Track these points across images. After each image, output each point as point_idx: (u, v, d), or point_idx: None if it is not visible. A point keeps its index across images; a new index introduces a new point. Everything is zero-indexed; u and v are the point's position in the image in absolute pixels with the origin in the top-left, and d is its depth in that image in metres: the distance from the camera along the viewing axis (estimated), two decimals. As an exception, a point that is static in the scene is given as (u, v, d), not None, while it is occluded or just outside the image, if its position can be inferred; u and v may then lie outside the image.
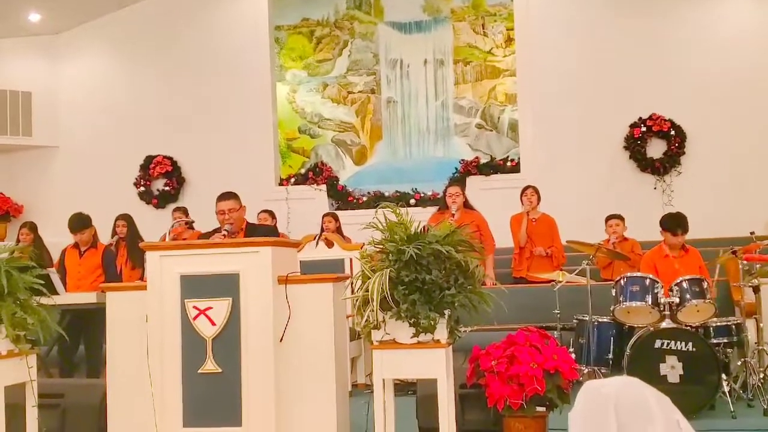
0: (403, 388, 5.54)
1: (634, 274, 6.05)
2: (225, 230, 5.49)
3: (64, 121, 12.30)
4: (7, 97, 11.92)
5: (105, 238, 7.97)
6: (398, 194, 11.34)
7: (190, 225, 8.27)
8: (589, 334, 6.04)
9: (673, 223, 6.42)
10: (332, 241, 7.32)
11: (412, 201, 11.20)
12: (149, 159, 11.94)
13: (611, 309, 5.96)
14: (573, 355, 5.70)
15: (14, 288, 4.22)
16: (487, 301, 4.15)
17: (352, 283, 4.42)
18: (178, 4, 12.01)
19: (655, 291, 5.77)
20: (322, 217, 8.82)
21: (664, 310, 5.69)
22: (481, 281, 4.21)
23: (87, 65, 12.33)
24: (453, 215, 7.41)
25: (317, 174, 11.68)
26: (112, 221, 8.35)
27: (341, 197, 11.60)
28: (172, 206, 11.51)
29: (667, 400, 2.92)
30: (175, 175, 11.91)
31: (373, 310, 3.88)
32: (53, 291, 5.85)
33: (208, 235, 5.78)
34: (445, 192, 7.86)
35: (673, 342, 5.44)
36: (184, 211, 8.70)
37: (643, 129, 10.67)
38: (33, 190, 12.23)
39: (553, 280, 6.65)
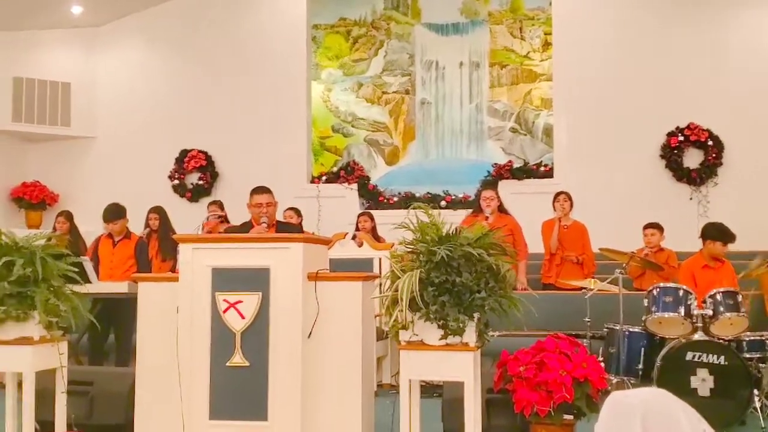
0: (429, 389, 5.52)
1: (668, 285, 5.98)
2: (263, 222, 5.51)
3: (101, 112, 12.43)
4: (47, 88, 12.08)
5: (138, 229, 8.04)
6: (429, 196, 11.32)
7: (223, 219, 8.33)
8: (619, 344, 5.98)
9: (724, 233, 6.40)
10: (362, 240, 7.33)
11: (443, 203, 11.17)
12: (184, 153, 12.03)
13: (643, 319, 5.90)
14: (602, 365, 5.65)
15: (48, 275, 4.29)
16: (517, 305, 4.12)
17: (381, 283, 4.42)
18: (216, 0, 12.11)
19: (689, 302, 5.70)
20: (358, 216, 8.83)
21: (696, 322, 5.62)
22: (513, 285, 4.18)
23: (126, 58, 12.46)
24: (487, 218, 7.37)
25: (349, 173, 11.70)
26: (145, 213, 8.42)
27: (372, 197, 11.60)
28: (206, 200, 11.57)
29: (694, 412, 2.87)
30: (209, 169, 11.98)
31: (401, 310, 3.87)
32: (86, 279, 5.94)
33: (237, 228, 5.82)
34: (479, 195, 7.81)
35: (704, 355, 5.38)
36: (220, 204, 8.74)
37: (681, 138, 10.54)
38: (69, 180, 12.37)
39: (583, 288, 6.58)
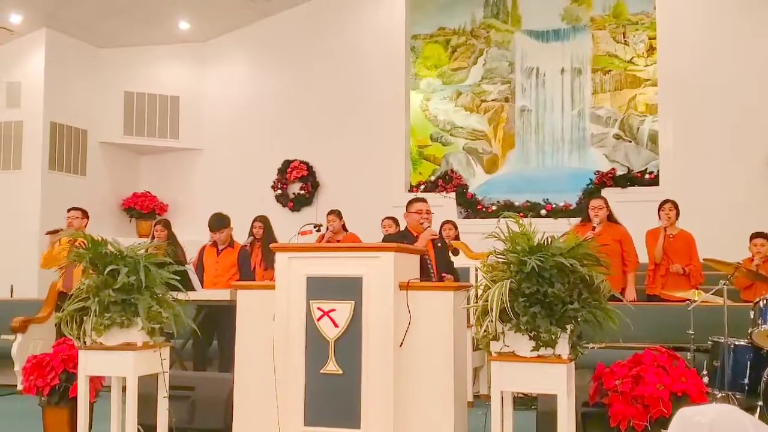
0: (524, 401, 5.46)
1: (775, 296, 5.72)
2: (427, 226, 5.90)
3: (208, 124, 12.85)
4: (156, 101, 12.59)
5: (242, 238, 8.25)
6: (529, 204, 11.20)
7: (318, 228, 8.49)
8: (724, 358, 5.74)
9: None
10: (458, 249, 7.30)
11: (543, 212, 11.03)
12: (287, 163, 12.30)
13: (749, 332, 5.66)
14: (706, 379, 5.46)
15: (152, 283, 4.43)
16: (612, 318, 4.02)
17: (474, 293, 4.39)
18: (318, 13, 12.33)
19: (798, 315, 5.44)
20: (441, 225, 8.84)
21: (806, 335, 5.36)
22: (607, 297, 4.08)
23: (230, 72, 12.86)
24: (594, 228, 7.23)
25: (447, 181, 11.70)
26: (249, 222, 8.62)
27: (470, 205, 11.56)
28: (307, 209, 11.93)
29: (765, 426, 2.73)
30: (310, 179, 12.22)
31: (492, 321, 3.84)
32: (189, 287, 6.13)
33: (395, 237, 5.97)
34: (587, 204, 7.67)
35: (814, 370, 5.12)
36: (338, 214, 8.94)
37: (791, 144, 10.10)
38: (178, 190, 12.84)
39: (688, 299, 6.37)
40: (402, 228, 8.62)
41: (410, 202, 6.24)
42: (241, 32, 12.75)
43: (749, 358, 5.70)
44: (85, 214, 8.04)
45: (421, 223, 5.99)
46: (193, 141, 12.85)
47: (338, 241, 8.51)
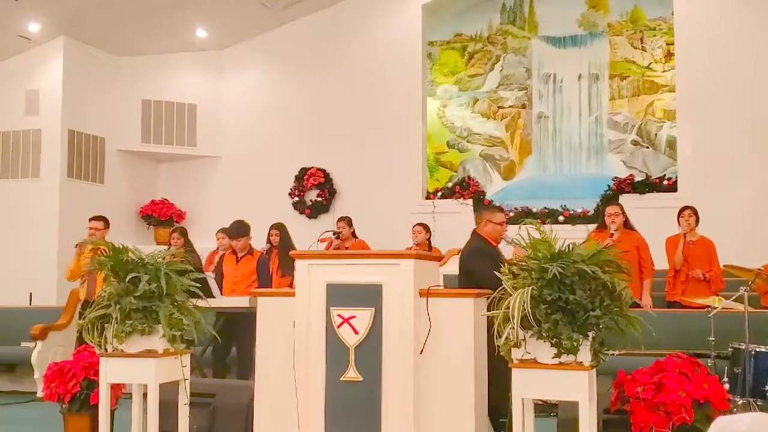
0: (545, 408, 5.43)
1: (797, 303, 5.68)
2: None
3: (225, 132, 12.90)
4: (174, 109, 12.66)
5: (259, 245, 8.27)
6: (546, 211, 11.17)
7: (337, 235, 8.50)
8: (745, 364, 5.69)
9: None
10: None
11: (561, 218, 10.99)
12: (303, 171, 12.33)
13: (771, 338, 5.62)
14: (727, 386, 5.41)
15: (172, 290, 4.45)
16: (634, 324, 4.00)
17: (494, 299, 4.37)
18: (334, 20, 12.36)
19: (820, 321, 5.39)
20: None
21: (828, 342, 5.31)
22: (629, 304, 4.05)
23: (247, 79, 12.91)
24: (612, 235, 7.20)
25: (464, 188, 11.68)
26: (266, 229, 8.64)
27: (488, 212, 11.51)
28: (324, 216, 11.92)
29: None
30: (327, 186, 12.23)
31: (513, 328, 3.83)
32: (210, 294, 6.14)
33: (486, 248, 5.63)
34: (603, 211, 7.64)
35: (836, 376, 5.07)
36: (348, 221, 8.96)
37: (812, 149, 10.02)
38: (195, 198, 12.89)
39: (708, 306, 6.32)
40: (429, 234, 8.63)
41: (493, 212, 5.75)
42: (258, 40, 12.80)
43: (771, 365, 5.66)
44: (106, 223, 8.09)
45: (503, 237, 5.59)
46: (211, 148, 12.90)
47: (347, 248, 8.51)
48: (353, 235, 8.91)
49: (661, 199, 10.45)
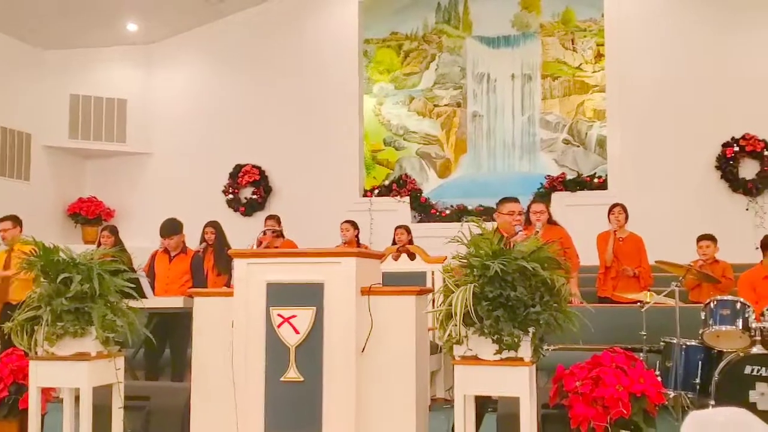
0: (484, 404, 5.46)
1: (725, 298, 5.88)
2: (519, 231, 5.41)
3: (157, 128, 12.66)
4: (103, 104, 12.36)
5: (193, 243, 8.13)
6: (482, 208, 11.27)
7: (278, 234, 8.39)
8: (676, 358, 5.85)
9: None
10: (414, 253, 7.31)
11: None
12: (238, 168, 12.18)
13: (700, 332, 5.78)
14: (659, 379, 5.53)
15: (106, 290, 4.33)
16: (572, 320, 4.05)
17: (434, 297, 4.39)
18: (269, 16, 12.25)
19: (746, 315, 5.58)
20: (395, 230, 8.84)
21: (755, 335, 5.50)
22: (568, 300, 4.11)
23: (180, 74, 12.69)
24: (537, 232, 7.27)
25: (401, 186, 11.71)
26: (200, 227, 8.50)
27: (424, 210, 11.59)
28: (260, 214, 11.76)
29: None
30: (262, 183, 12.11)
31: (455, 325, 3.83)
32: (142, 294, 6.00)
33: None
34: (528, 208, 7.72)
35: (763, 368, 5.26)
36: (277, 219, 8.83)
37: (736, 149, 10.36)
38: (125, 195, 12.62)
39: (639, 301, 6.47)
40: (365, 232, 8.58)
41: (501, 202, 5.66)
42: (190, 34, 12.58)
43: (700, 358, 5.82)
44: (16, 222, 7.63)
45: (514, 226, 5.51)
46: (141, 145, 12.64)
47: (276, 248, 8.39)
48: (281, 234, 8.78)
49: (592, 197, 10.67)
